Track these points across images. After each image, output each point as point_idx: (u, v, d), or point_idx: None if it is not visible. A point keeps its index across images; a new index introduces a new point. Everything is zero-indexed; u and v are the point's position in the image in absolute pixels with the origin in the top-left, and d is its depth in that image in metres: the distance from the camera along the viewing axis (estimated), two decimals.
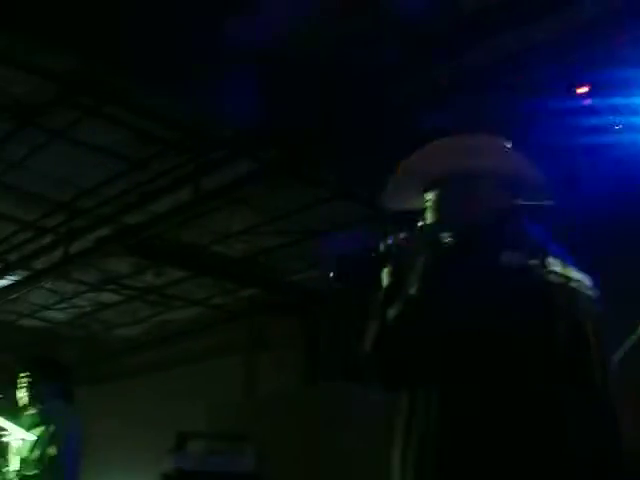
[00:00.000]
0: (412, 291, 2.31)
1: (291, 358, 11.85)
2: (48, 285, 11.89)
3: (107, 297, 12.62)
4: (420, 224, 2.65)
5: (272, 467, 8.75)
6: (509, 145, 2.65)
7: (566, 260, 2.44)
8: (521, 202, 2.63)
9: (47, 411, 5.93)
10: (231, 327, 12.62)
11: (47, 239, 10.44)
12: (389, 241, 2.62)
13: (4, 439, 5.98)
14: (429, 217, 2.62)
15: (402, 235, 2.62)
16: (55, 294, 12.56)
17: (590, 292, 2.48)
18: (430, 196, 2.64)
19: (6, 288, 11.79)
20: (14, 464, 5.87)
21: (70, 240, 10.05)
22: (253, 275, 11.10)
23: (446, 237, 2.45)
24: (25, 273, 11.30)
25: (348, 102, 6.63)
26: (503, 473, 2.21)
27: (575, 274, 2.44)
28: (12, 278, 11.60)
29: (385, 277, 2.51)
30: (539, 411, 2.23)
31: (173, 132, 7.94)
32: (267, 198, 8.79)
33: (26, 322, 14.39)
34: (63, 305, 13.16)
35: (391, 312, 2.30)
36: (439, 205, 2.60)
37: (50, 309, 13.46)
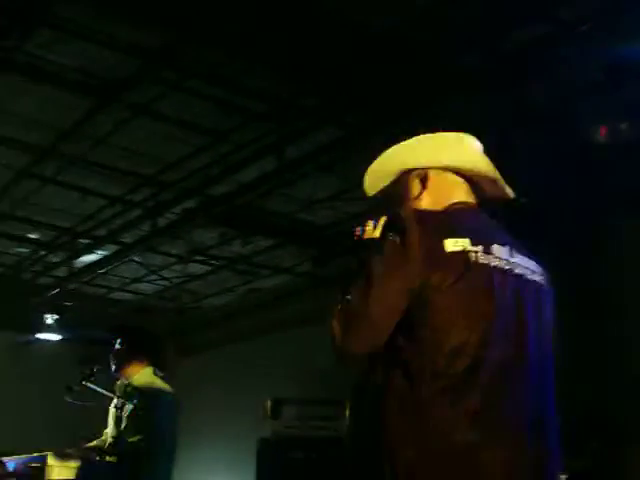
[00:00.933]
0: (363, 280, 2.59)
1: None
2: (137, 258, 12.05)
3: (195, 268, 12.75)
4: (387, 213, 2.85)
5: None
6: (478, 144, 2.95)
7: (515, 249, 2.71)
8: (485, 196, 2.94)
9: (141, 379, 6.01)
10: (319, 294, 12.64)
11: (134, 213, 10.57)
12: (360, 228, 2.93)
13: (110, 407, 6.10)
14: (397, 204, 2.95)
15: (371, 223, 2.88)
16: (144, 267, 12.73)
17: (537, 278, 2.75)
18: (396, 184, 3.00)
19: (96, 263, 12.00)
20: (113, 430, 5.98)
21: (157, 213, 10.16)
22: (339, 242, 11.07)
23: (399, 224, 2.63)
24: (114, 247, 11.47)
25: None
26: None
27: (522, 261, 2.71)
28: (101, 253, 11.80)
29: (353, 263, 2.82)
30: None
31: (256, 102, 7.94)
32: (352, 164, 8.75)
33: (117, 295, 14.63)
34: (152, 277, 13.34)
35: (350, 298, 2.61)
36: (402, 194, 2.95)
37: (140, 282, 13.66)
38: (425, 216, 2.68)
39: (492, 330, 2.52)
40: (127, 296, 14.73)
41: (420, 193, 2.88)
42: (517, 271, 2.67)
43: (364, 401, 2.70)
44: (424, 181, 2.89)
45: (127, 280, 13.59)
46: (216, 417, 13.71)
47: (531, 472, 2.51)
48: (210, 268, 12.82)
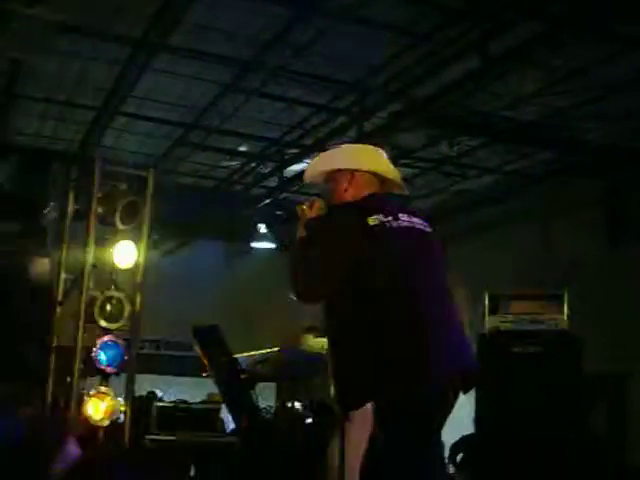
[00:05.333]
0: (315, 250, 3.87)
1: (592, 221, 11.62)
2: None
3: (403, 171, 12.72)
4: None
5: (581, 325, 8.72)
6: (384, 154, 4.26)
7: (412, 214, 3.98)
8: (386, 190, 4.18)
9: None
10: (528, 192, 12.49)
11: (340, 120, 10.65)
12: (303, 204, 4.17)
13: None
14: (329, 194, 4.16)
15: (307, 203, 4.14)
16: None
17: (429, 229, 4.02)
18: (330, 179, 4.18)
19: (304, 172, 12.13)
20: None
21: (363, 118, 10.20)
22: (548, 138, 10.87)
23: (334, 209, 4.05)
24: None
25: None
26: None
27: (418, 220, 3.98)
28: (309, 161, 11.94)
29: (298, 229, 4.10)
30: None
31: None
32: (558, 56, 8.52)
33: None
34: None
35: (309, 259, 3.86)
36: (334, 187, 4.15)
37: None
38: (354, 205, 3.98)
39: (409, 265, 3.84)
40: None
41: (347, 187, 4.08)
42: (417, 227, 3.95)
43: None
44: (351, 179, 4.08)
45: None
46: None
47: (450, 350, 3.77)
48: (417, 171, 12.82)
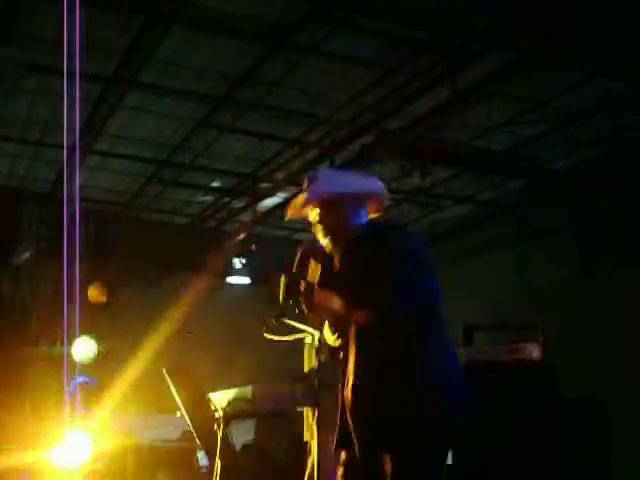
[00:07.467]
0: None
1: (565, 248, 11.66)
2: None
3: None
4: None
5: (556, 354, 8.73)
6: (374, 177, 4.10)
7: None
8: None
9: None
10: (500, 221, 12.53)
11: (312, 154, 10.67)
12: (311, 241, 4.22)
13: (305, 340, 6.22)
14: (334, 216, 3.96)
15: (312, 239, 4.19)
16: None
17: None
18: (335, 202, 3.92)
19: (277, 206, 12.16)
20: (310, 362, 6.10)
21: (334, 152, 10.21)
22: (518, 166, 10.93)
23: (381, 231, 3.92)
24: (294, 189, 11.59)
25: None
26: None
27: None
28: (282, 195, 11.96)
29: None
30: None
31: (424, 32, 7.87)
32: (525, 86, 8.60)
33: (301, 236, 14.83)
34: None
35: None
36: (342, 210, 3.92)
37: None
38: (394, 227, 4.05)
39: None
40: (310, 236, 14.89)
41: (355, 213, 3.90)
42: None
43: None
44: (363, 202, 3.93)
45: (308, 221, 13.70)
46: None
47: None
48: (390, 202, 12.83)
